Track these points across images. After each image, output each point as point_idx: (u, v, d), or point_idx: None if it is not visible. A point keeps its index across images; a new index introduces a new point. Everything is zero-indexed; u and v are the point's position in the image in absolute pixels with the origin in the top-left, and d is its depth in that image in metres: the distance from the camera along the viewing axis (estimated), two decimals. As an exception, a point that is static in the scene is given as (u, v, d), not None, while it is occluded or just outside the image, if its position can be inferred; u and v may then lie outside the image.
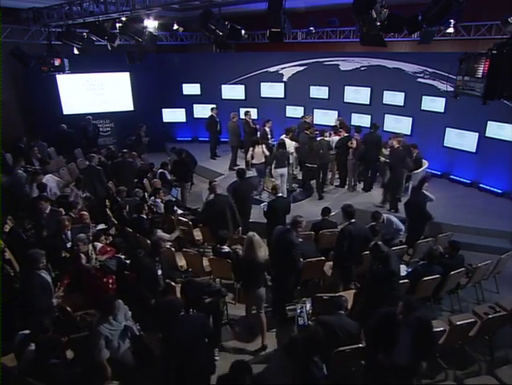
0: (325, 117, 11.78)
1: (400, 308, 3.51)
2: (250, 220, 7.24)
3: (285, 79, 12.73)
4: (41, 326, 3.91)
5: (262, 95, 13.04)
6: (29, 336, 3.89)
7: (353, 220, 5.30)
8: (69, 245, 5.58)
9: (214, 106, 11.91)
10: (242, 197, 6.86)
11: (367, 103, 11.22)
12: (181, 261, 6.03)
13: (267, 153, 8.75)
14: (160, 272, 4.80)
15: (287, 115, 12.68)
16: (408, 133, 10.37)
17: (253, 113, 12.08)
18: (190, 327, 3.66)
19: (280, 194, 6.56)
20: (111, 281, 5.06)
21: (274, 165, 8.26)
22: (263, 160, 8.73)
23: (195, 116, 13.66)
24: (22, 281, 4.66)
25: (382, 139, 8.91)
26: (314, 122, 11.67)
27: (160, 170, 9.05)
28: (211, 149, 11.86)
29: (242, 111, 11.43)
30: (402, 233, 6.32)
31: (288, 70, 12.61)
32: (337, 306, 4.06)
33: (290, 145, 8.79)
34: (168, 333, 3.67)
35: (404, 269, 5.34)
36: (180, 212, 7.49)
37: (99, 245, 5.44)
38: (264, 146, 8.80)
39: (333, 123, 10.39)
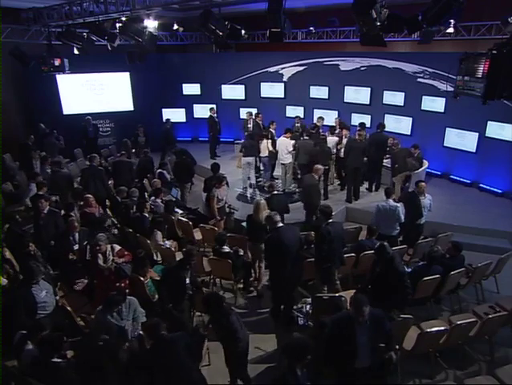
0: (325, 117, 11.75)
1: (351, 307, 3.43)
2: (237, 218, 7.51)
3: (285, 79, 12.73)
4: (38, 325, 3.90)
5: (262, 95, 13.04)
6: (26, 335, 3.88)
7: (330, 221, 5.23)
8: (76, 247, 5.50)
9: (213, 106, 11.92)
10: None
11: (367, 103, 11.22)
12: (181, 261, 6.01)
13: (271, 148, 9.22)
14: (188, 280, 4.71)
15: (287, 115, 12.67)
16: (408, 133, 10.38)
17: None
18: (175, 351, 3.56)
19: (275, 192, 6.64)
20: (123, 285, 5.01)
21: (242, 154, 9.20)
22: (267, 154, 9.29)
23: (195, 116, 13.67)
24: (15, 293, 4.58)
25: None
26: (314, 122, 11.72)
27: (158, 170, 9.05)
28: (211, 149, 11.86)
29: (242, 110, 11.44)
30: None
31: (288, 70, 12.61)
32: (336, 307, 4.06)
33: (289, 145, 8.78)
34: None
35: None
36: (180, 212, 7.50)
37: (117, 247, 5.37)
38: (270, 141, 9.31)
39: (332, 124, 10.36)
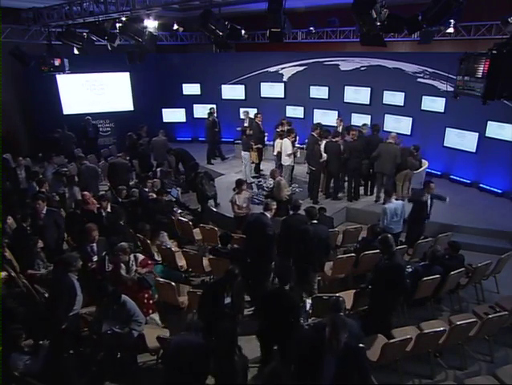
0: (325, 117, 11.77)
1: (327, 330, 2.95)
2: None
3: (285, 79, 12.73)
4: (16, 334, 3.80)
5: (262, 95, 13.04)
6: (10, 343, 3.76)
7: (314, 222, 5.22)
8: (95, 258, 5.16)
9: (213, 106, 11.89)
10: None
11: (367, 103, 11.21)
12: (181, 261, 6.03)
13: (278, 149, 9.12)
14: (228, 300, 4.31)
15: (287, 115, 12.64)
16: (408, 133, 10.37)
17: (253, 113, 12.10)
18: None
19: (279, 178, 7.00)
20: (146, 295, 4.91)
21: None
22: (275, 154, 9.42)
23: (195, 116, 13.68)
24: (53, 283, 4.56)
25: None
26: (314, 122, 11.71)
27: (159, 169, 9.09)
28: (212, 150, 11.79)
29: (242, 111, 11.43)
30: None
31: (288, 70, 12.61)
32: (336, 309, 4.01)
33: (288, 147, 8.65)
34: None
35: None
36: (179, 211, 7.51)
37: (140, 256, 5.14)
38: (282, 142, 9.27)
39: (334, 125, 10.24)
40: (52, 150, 9.86)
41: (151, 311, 4.93)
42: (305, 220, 5.34)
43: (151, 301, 4.98)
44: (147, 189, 7.31)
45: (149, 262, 5.16)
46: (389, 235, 4.61)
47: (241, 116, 11.10)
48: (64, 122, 11.18)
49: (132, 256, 4.98)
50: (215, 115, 11.48)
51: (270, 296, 4.17)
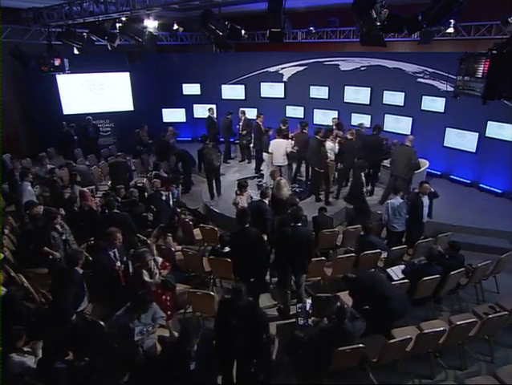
0: (325, 117, 11.78)
1: None
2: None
3: (285, 79, 12.74)
4: (15, 335, 3.79)
5: (262, 95, 13.05)
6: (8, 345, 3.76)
7: (299, 225, 5.08)
8: (118, 264, 4.97)
9: (211, 107, 11.88)
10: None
11: (367, 103, 11.22)
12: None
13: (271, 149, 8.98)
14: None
15: (287, 115, 12.64)
16: (409, 133, 10.35)
17: (253, 113, 12.09)
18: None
19: (278, 178, 7.04)
20: (168, 298, 4.88)
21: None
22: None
23: (195, 116, 13.69)
24: (60, 277, 4.52)
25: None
26: (314, 122, 11.75)
27: (154, 172, 9.00)
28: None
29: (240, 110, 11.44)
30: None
31: (288, 70, 12.62)
32: (342, 317, 3.98)
33: (288, 145, 8.60)
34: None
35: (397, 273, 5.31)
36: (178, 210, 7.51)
37: (159, 259, 5.07)
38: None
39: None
40: (68, 144, 10.25)
41: (169, 312, 4.88)
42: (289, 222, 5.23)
43: (172, 303, 4.96)
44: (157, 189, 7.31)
45: (167, 264, 5.12)
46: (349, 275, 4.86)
47: (239, 115, 11.13)
48: (67, 121, 11.19)
49: (152, 261, 4.89)
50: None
51: (236, 234, 5.13)
